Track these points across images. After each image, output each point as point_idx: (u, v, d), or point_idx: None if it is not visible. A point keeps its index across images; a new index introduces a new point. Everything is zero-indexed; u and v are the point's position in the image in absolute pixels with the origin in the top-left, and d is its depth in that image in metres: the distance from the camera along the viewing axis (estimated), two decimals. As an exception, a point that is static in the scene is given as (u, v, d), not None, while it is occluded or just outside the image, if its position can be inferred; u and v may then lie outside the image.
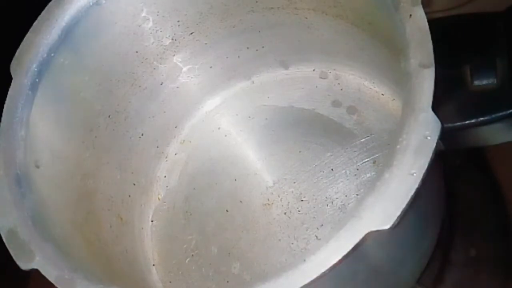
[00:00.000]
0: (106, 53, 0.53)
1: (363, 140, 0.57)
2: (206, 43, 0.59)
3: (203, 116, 0.64)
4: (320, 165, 0.57)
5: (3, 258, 0.42)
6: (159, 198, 0.61)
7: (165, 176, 0.62)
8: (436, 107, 0.36)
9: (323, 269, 0.34)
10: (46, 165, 0.48)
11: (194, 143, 0.63)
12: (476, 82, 0.42)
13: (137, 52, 0.56)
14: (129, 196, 0.59)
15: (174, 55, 0.59)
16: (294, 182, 0.57)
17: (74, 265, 0.42)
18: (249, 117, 0.61)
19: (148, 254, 0.58)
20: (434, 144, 0.35)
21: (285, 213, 0.56)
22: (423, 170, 0.35)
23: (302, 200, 0.56)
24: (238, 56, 0.62)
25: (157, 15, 0.55)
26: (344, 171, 0.56)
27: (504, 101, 0.41)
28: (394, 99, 0.55)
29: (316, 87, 0.61)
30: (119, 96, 0.57)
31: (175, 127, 0.63)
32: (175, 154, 0.63)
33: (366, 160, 0.55)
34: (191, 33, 0.58)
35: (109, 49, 0.53)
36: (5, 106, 0.48)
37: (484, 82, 0.42)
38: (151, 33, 0.56)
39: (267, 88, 0.63)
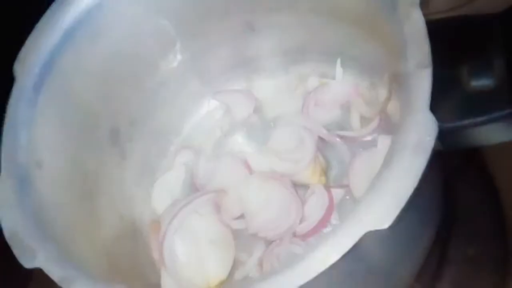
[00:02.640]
0: (107, 54, 0.54)
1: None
2: (205, 44, 0.59)
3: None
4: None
5: (3, 258, 0.42)
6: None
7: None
8: (433, 107, 0.36)
9: (322, 268, 0.34)
10: (48, 165, 0.49)
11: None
12: (474, 83, 0.42)
13: (137, 53, 0.56)
14: (130, 195, 0.59)
15: (174, 56, 0.59)
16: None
17: (76, 263, 0.42)
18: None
19: (149, 253, 0.58)
20: (432, 144, 0.35)
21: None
22: (421, 170, 0.35)
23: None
24: (238, 56, 0.62)
25: (158, 16, 0.55)
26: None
27: (501, 101, 0.42)
28: (392, 99, 0.55)
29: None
30: (120, 97, 0.57)
31: (175, 127, 0.64)
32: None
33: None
34: (192, 34, 0.58)
35: (110, 50, 0.54)
36: (8, 107, 0.48)
37: (482, 82, 0.42)
38: (151, 34, 0.56)
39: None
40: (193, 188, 0.60)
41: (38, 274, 0.41)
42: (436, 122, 0.36)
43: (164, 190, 0.61)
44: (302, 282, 0.34)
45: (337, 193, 0.54)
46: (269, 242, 0.54)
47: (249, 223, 0.54)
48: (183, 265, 0.53)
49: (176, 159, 0.63)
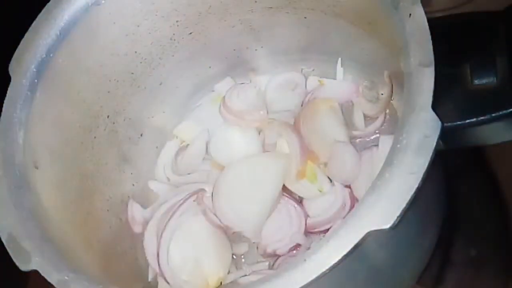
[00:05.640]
0: (105, 53, 0.53)
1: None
2: (205, 43, 0.59)
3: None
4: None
5: (2, 258, 0.42)
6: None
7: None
8: (436, 106, 0.36)
9: (323, 269, 0.34)
10: (45, 166, 0.48)
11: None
12: (476, 81, 0.42)
13: (136, 52, 0.56)
14: (128, 196, 0.59)
15: (173, 55, 0.59)
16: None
17: (73, 266, 0.42)
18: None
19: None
20: (434, 143, 0.35)
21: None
22: (423, 170, 0.35)
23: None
24: (237, 56, 0.62)
25: (156, 15, 0.54)
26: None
27: (504, 100, 0.41)
28: (394, 99, 0.55)
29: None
30: (118, 97, 0.56)
31: (175, 127, 0.63)
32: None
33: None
34: (190, 33, 0.57)
35: (108, 49, 0.53)
36: (4, 106, 0.48)
37: (484, 81, 0.42)
38: (150, 33, 0.55)
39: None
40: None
41: (36, 274, 0.41)
42: (439, 121, 0.35)
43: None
44: (303, 283, 0.34)
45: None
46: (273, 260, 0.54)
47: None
48: (181, 270, 0.53)
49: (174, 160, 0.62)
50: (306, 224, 0.53)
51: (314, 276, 0.34)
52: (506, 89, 0.42)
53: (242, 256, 0.56)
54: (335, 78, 0.60)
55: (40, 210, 0.45)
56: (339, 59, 0.59)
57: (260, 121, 0.57)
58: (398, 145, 0.36)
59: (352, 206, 0.52)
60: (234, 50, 0.61)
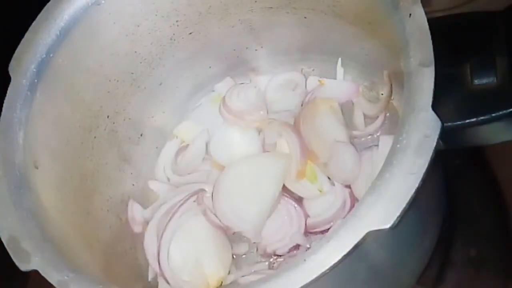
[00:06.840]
0: (105, 53, 0.53)
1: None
2: (205, 43, 0.59)
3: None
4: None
5: (2, 258, 0.42)
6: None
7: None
8: (436, 106, 0.36)
9: (323, 269, 0.34)
10: (45, 166, 0.48)
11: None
12: (476, 81, 0.42)
13: (136, 52, 0.56)
14: (128, 196, 0.59)
15: (173, 55, 0.59)
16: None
17: (73, 266, 0.42)
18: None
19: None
20: (434, 143, 0.35)
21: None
22: (423, 170, 0.35)
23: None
24: (237, 56, 0.62)
25: (156, 15, 0.54)
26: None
27: (504, 100, 0.41)
28: (394, 99, 0.55)
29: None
30: (118, 97, 0.56)
31: (174, 127, 0.63)
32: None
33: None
34: (190, 33, 0.57)
35: (108, 49, 0.53)
36: (4, 106, 0.48)
37: (484, 81, 0.42)
38: (150, 33, 0.55)
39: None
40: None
41: (36, 274, 0.41)
42: (439, 121, 0.35)
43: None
44: (303, 283, 0.34)
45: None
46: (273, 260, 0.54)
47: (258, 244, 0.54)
48: (181, 271, 0.53)
49: (174, 160, 0.62)
50: (306, 224, 0.53)
51: (314, 276, 0.34)
52: (506, 89, 0.42)
53: (243, 256, 0.56)
54: (335, 78, 0.60)
55: (40, 210, 0.45)
56: (339, 59, 0.59)
57: (260, 121, 0.57)
58: (398, 145, 0.36)
59: (352, 206, 0.52)
60: (234, 50, 0.61)
